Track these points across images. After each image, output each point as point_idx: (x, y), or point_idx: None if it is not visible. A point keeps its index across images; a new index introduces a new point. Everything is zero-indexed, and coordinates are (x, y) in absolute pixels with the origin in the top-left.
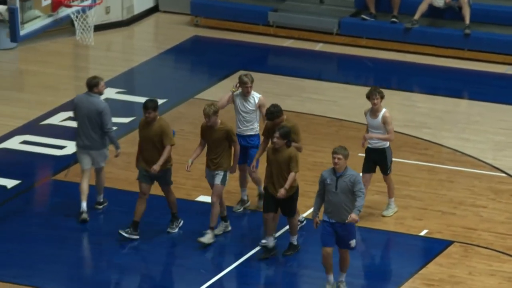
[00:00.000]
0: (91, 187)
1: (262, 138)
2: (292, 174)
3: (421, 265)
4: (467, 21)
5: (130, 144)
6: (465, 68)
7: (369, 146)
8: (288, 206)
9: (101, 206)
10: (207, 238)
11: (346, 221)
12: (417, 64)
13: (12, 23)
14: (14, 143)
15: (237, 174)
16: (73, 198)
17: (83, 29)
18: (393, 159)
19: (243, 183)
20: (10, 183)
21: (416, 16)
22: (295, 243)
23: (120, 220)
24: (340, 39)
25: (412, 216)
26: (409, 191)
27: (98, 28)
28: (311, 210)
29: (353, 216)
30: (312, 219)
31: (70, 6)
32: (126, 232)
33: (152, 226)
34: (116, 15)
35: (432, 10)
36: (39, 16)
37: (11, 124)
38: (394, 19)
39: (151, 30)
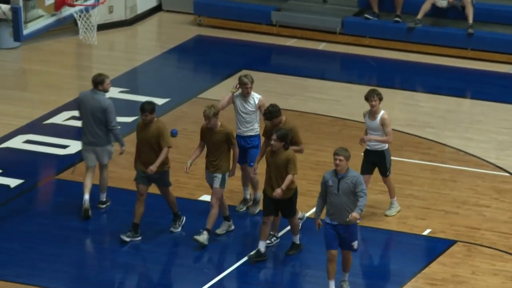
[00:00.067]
0: (94, 187)
1: (262, 139)
2: (289, 176)
3: (424, 264)
4: (470, 20)
5: (133, 143)
6: (468, 67)
7: (368, 148)
8: (288, 207)
9: (104, 206)
10: (203, 238)
11: (347, 219)
12: (420, 64)
13: (15, 23)
14: (17, 143)
15: (239, 173)
16: (76, 198)
17: (86, 29)
18: (396, 158)
19: (245, 182)
20: (13, 182)
21: (419, 16)
22: (298, 242)
23: (123, 219)
24: (343, 39)
25: (415, 216)
26: (412, 190)
27: (101, 27)
28: (313, 210)
29: (354, 214)
30: (314, 221)
31: (73, 6)
32: (128, 236)
33: (153, 226)
34: (119, 15)
35: (435, 10)
36: (42, 16)
37: (14, 123)
38: (397, 19)
39: (154, 30)
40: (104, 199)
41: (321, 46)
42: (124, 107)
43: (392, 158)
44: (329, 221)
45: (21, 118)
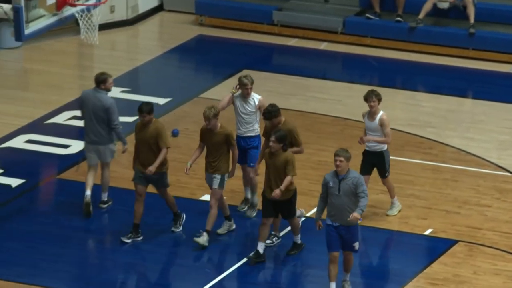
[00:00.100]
0: (96, 186)
1: (263, 139)
2: (288, 178)
3: (425, 264)
4: (472, 20)
5: (133, 143)
6: (470, 67)
7: (367, 148)
8: (287, 209)
9: (105, 205)
10: (203, 239)
11: (348, 219)
12: (422, 63)
13: (16, 22)
14: (18, 142)
15: (240, 173)
16: (77, 197)
17: (87, 28)
18: (397, 158)
19: (246, 182)
20: (14, 182)
21: (421, 15)
22: (299, 242)
23: (124, 219)
24: (344, 38)
25: (417, 216)
26: (414, 190)
27: (103, 27)
28: (315, 209)
29: (355, 214)
30: (315, 222)
31: (74, 5)
32: (129, 238)
33: (154, 226)
34: (120, 14)
35: (437, 10)
36: (43, 15)
37: (16, 123)
38: (398, 18)
39: (155, 29)
40: (106, 199)
41: (323, 46)
42: (126, 106)
43: (393, 158)
44: (330, 223)
45: (23, 118)
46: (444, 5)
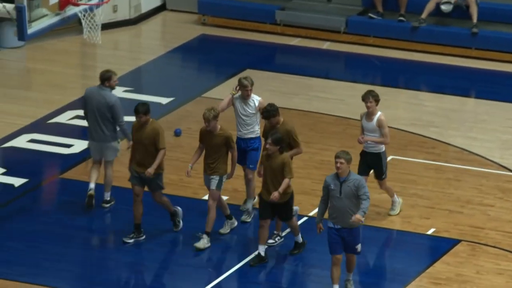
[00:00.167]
0: (99, 186)
1: (263, 141)
2: (286, 180)
3: (428, 264)
4: (475, 19)
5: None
6: (472, 66)
7: (365, 149)
8: (284, 211)
9: (108, 205)
10: (202, 243)
11: (351, 220)
12: (424, 63)
13: (19, 22)
14: (21, 142)
15: (242, 172)
16: (80, 197)
17: (90, 28)
18: (400, 157)
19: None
20: (17, 181)
21: (424, 15)
22: (300, 240)
23: (127, 218)
24: (347, 38)
25: (419, 215)
26: (416, 189)
27: (106, 26)
28: (316, 210)
29: (358, 216)
30: (316, 225)
31: (77, 5)
32: (131, 238)
33: (156, 225)
34: (123, 14)
35: (440, 9)
36: (46, 15)
37: (19, 122)
38: (401, 18)
39: (158, 29)
40: (108, 198)
41: (325, 45)
42: (129, 106)
43: (396, 157)
44: (332, 225)
45: (25, 117)
46: (448, 8)
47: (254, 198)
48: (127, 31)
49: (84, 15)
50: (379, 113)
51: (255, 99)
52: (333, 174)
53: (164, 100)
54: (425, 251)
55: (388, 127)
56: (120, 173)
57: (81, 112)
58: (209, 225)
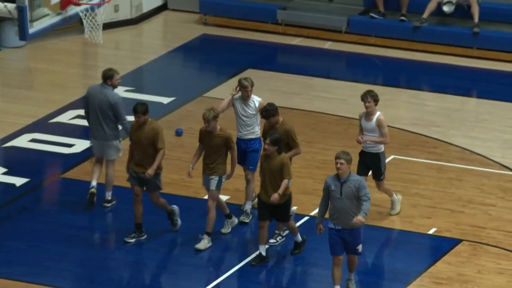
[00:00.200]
0: (100, 185)
1: (263, 141)
2: (285, 181)
3: (429, 263)
4: (476, 19)
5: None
6: (474, 66)
7: (364, 149)
8: (283, 212)
9: (109, 204)
10: (203, 244)
11: (352, 221)
12: (426, 63)
13: (21, 21)
14: (23, 141)
15: (243, 172)
16: (81, 196)
17: (91, 27)
18: (402, 157)
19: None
20: (19, 181)
21: (425, 15)
22: (300, 240)
23: (128, 218)
24: (349, 37)
25: (421, 215)
26: (418, 189)
27: (107, 26)
28: (317, 210)
29: (359, 217)
30: (316, 226)
31: (79, 4)
32: (132, 238)
33: (157, 225)
34: (124, 13)
35: (441, 9)
36: (48, 14)
37: (20, 122)
38: (402, 18)
39: (159, 28)
40: (110, 198)
41: (327, 45)
42: (130, 106)
43: (397, 157)
44: (332, 226)
45: (27, 117)
46: (450, 9)
47: (254, 199)
48: (129, 30)
49: (85, 15)
50: (378, 113)
51: (255, 100)
52: (333, 175)
53: (166, 100)
54: (426, 251)
55: (390, 126)
56: (122, 172)
57: (82, 112)
58: (209, 225)
